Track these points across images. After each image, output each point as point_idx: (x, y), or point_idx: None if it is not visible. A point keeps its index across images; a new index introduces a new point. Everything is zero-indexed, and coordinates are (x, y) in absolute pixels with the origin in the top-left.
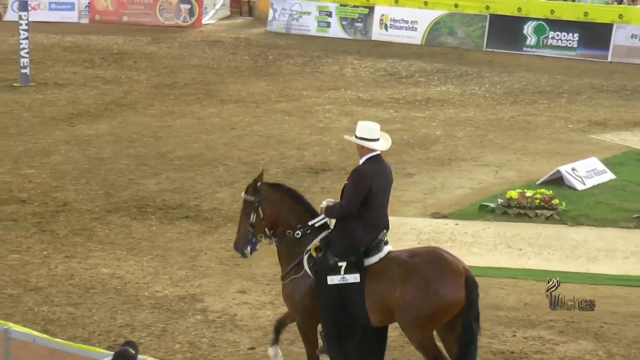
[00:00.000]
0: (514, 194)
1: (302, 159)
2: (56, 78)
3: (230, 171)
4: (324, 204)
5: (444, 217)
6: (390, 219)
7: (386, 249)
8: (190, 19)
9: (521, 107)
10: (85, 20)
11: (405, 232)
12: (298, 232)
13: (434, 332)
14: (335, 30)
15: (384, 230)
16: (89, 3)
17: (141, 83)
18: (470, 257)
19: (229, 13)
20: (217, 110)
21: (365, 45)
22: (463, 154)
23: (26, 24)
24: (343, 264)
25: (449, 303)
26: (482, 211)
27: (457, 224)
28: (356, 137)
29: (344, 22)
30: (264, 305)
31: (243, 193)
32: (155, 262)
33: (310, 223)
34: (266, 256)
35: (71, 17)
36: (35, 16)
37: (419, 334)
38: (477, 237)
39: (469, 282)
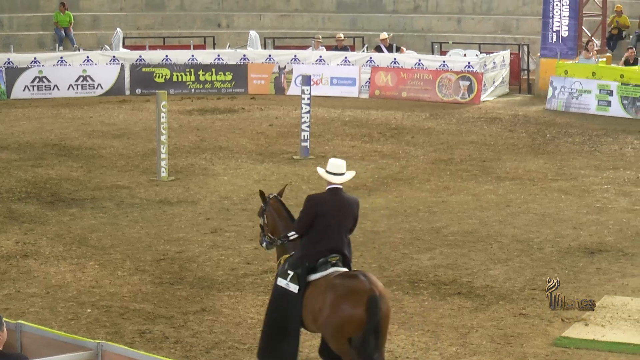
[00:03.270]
0: None
1: (578, 238)
2: (335, 151)
3: (504, 248)
4: None
5: None
6: None
7: (332, 269)
8: (469, 96)
9: None
10: (365, 96)
11: None
12: (279, 240)
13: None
14: (616, 109)
15: (335, 254)
16: (369, 79)
17: (418, 158)
18: None
19: (507, 90)
20: (492, 187)
21: None
22: None
23: (308, 98)
24: (291, 273)
25: (347, 316)
26: None
27: None
28: (326, 171)
29: (624, 101)
30: None
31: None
32: (426, 337)
33: (288, 235)
34: (538, 336)
35: (352, 92)
36: (317, 91)
37: (332, 341)
38: None
39: (370, 301)
